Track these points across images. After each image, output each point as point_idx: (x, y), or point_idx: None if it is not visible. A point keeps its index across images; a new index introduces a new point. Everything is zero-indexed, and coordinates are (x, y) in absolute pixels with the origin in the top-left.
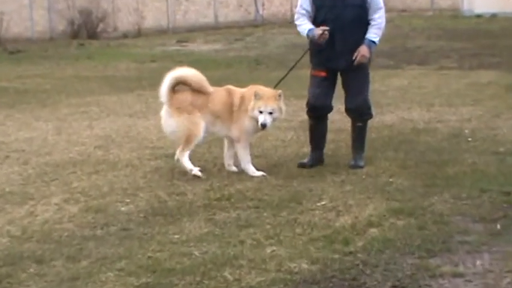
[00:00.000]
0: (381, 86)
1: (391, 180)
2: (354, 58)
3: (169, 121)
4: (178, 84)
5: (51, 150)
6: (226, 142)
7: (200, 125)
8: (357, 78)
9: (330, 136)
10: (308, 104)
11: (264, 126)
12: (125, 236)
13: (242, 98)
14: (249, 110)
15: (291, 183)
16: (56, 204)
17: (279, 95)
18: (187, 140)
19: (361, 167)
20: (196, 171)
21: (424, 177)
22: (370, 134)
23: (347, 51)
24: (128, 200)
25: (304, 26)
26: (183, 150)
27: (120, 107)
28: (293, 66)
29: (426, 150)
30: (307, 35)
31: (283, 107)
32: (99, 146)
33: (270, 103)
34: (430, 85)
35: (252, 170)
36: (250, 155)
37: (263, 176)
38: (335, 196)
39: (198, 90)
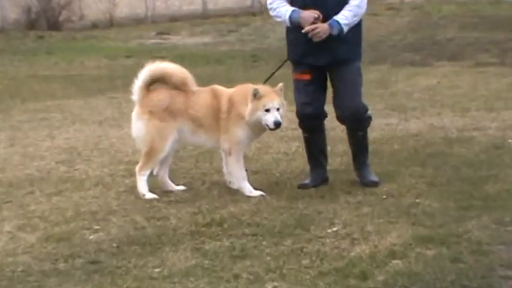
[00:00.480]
0: (405, 86)
1: (417, 201)
2: (338, 51)
3: (137, 124)
4: (156, 82)
5: (3, 166)
6: (223, 154)
7: (168, 140)
8: (346, 76)
9: (340, 147)
10: (297, 114)
11: (278, 124)
12: (94, 270)
13: (231, 101)
14: (247, 114)
15: (295, 205)
16: (8, 232)
17: (280, 89)
18: (149, 154)
19: (376, 183)
20: (149, 196)
21: (458, 197)
22: (392, 145)
23: (332, 43)
24: (97, 227)
25: (284, 8)
26: (142, 166)
27: (88, 113)
28: (278, 68)
29: (460, 165)
30: (290, 18)
31: (285, 104)
32: (62, 160)
33: (275, 98)
34: (464, 85)
35: (248, 189)
36: (247, 170)
37: (262, 196)
38: (349, 220)
39: (178, 92)
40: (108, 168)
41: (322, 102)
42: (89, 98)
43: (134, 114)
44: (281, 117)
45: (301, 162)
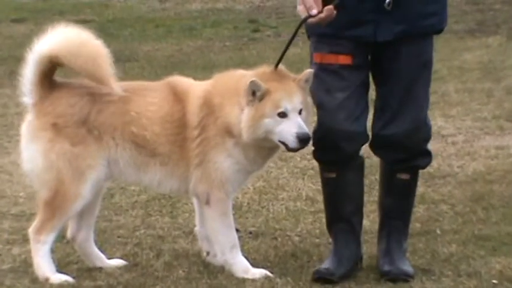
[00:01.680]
0: (442, 66)
1: None
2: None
3: (31, 147)
4: (55, 69)
5: None
6: (196, 203)
7: (87, 179)
8: (409, 71)
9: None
10: (318, 133)
11: (305, 139)
12: None
13: (207, 105)
14: (243, 127)
15: None
16: None
17: (307, 79)
18: (51, 204)
19: (410, 276)
20: (57, 279)
21: None
22: (510, 187)
23: (399, 6)
24: None
25: None
26: (41, 227)
27: None
28: (291, 40)
29: None
30: None
31: (311, 103)
32: None
33: (295, 93)
34: None
35: (241, 267)
36: (239, 231)
37: (266, 276)
38: None
39: (107, 92)
40: None
41: (366, 111)
42: None
43: (25, 129)
44: (307, 125)
45: None
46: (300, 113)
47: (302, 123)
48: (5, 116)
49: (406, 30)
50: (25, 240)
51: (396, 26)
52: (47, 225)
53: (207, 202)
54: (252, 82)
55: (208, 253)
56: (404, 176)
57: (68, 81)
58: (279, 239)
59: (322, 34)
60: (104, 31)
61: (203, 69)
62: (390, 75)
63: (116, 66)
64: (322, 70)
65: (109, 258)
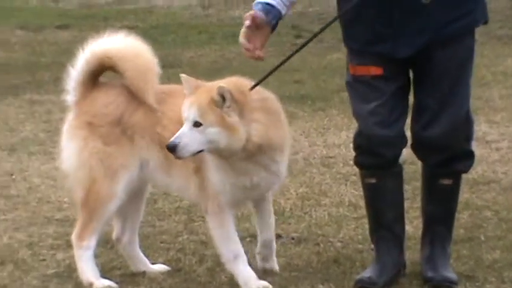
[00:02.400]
0: (486, 72)
1: None
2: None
3: (67, 146)
4: (103, 72)
5: None
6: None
7: (119, 179)
8: (447, 65)
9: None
10: (357, 140)
11: (168, 148)
12: None
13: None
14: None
15: None
16: None
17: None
18: (87, 205)
19: (454, 283)
20: (101, 285)
21: None
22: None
23: (431, 7)
24: None
25: None
26: (82, 231)
27: None
28: (289, 57)
29: None
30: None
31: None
32: None
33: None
34: None
35: (242, 277)
36: (281, 236)
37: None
38: None
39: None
40: (25, 233)
41: (404, 115)
42: None
43: (65, 128)
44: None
45: (361, 223)
46: (196, 125)
47: (180, 133)
48: (49, 122)
49: (432, 39)
50: (69, 245)
51: (419, 37)
52: (86, 228)
53: (206, 211)
54: (220, 87)
55: (264, 257)
56: (447, 181)
57: (109, 82)
58: (322, 245)
59: (351, 47)
60: (147, 37)
61: (245, 75)
62: (426, 81)
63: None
64: (356, 81)
65: (152, 264)
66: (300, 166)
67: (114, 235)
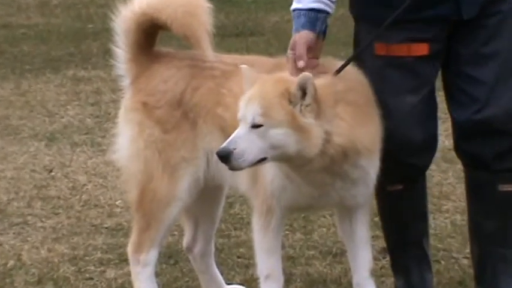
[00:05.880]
0: None
1: None
2: None
3: (120, 134)
4: (153, 37)
5: None
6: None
7: (182, 173)
8: (498, 43)
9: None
10: (384, 145)
11: (220, 157)
12: None
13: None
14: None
15: None
16: None
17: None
18: (141, 209)
19: None
20: None
21: None
22: None
23: None
24: None
25: None
26: (139, 243)
27: (25, 117)
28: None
29: None
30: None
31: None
32: None
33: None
34: None
35: None
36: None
37: None
38: None
39: (210, 68)
40: (67, 245)
41: (435, 113)
42: (25, 80)
43: (120, 114)
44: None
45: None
46: (255, 126)
47: (234, 136)
48: (98, 105)
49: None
50: (122, 260)
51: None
52: (144, 239)
53: (254, 209)
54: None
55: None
56: (510, 188)
57: (172, 52)
58: (443, 262)
59: (379, 18)
60: None
61: (344, 45)
62: (481, 56)
63: (237, 41)
64: (387, 65)
65: (227, 283)
66: None
67: (184, 243)
